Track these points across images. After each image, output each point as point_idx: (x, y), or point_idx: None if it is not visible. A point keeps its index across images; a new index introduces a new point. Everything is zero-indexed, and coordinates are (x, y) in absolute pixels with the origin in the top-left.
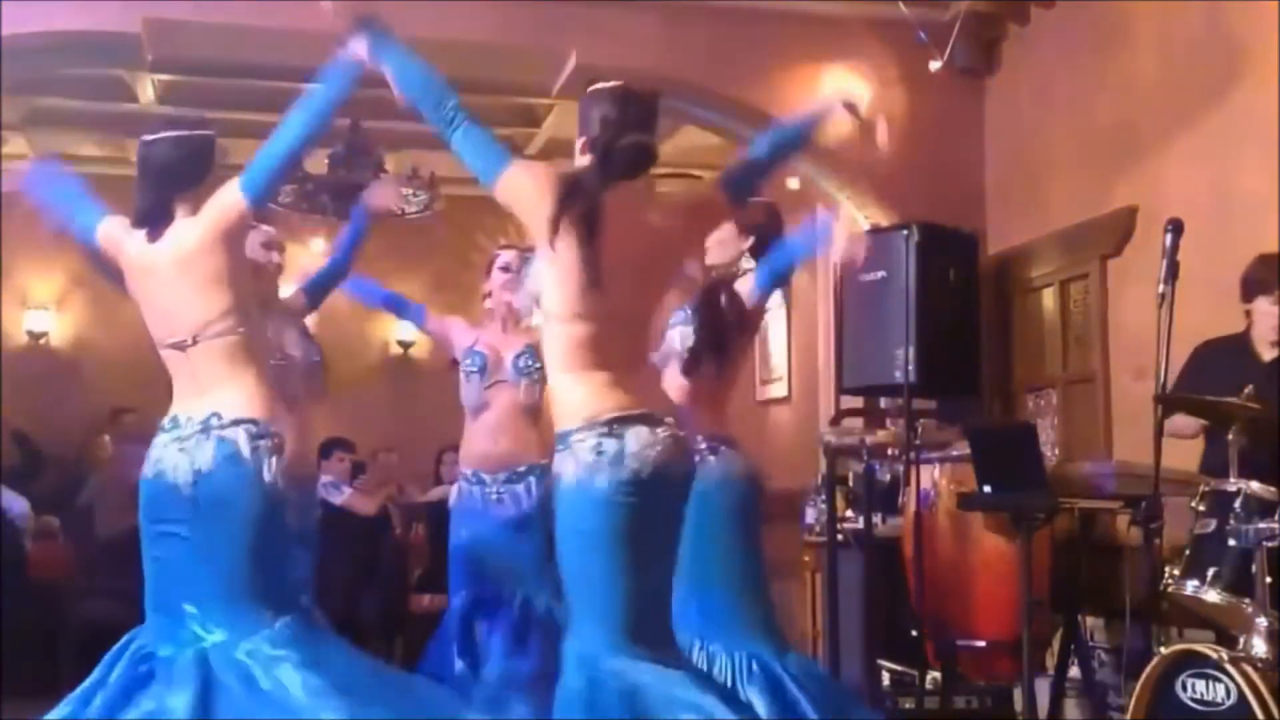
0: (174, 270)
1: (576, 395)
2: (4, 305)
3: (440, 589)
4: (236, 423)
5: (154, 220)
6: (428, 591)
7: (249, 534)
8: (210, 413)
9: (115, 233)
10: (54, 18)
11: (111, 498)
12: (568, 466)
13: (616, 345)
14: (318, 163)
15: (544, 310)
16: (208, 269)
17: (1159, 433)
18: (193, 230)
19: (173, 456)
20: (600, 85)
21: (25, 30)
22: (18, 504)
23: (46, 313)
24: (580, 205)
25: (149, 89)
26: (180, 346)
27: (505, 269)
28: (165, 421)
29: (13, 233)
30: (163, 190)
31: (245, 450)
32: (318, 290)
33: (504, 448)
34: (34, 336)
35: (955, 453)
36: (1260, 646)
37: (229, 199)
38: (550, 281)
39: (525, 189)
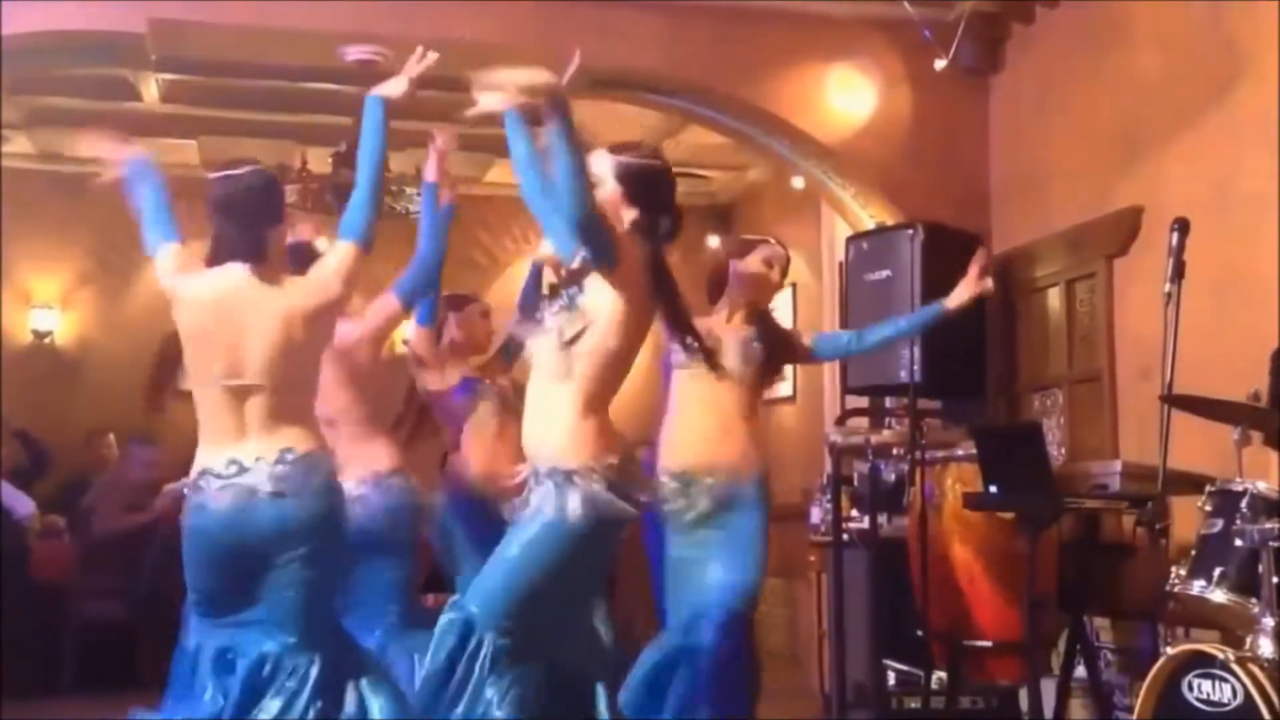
0: (281, 322)
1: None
2: (9, 304)
3: (443, 589)
4: (310, 454)
5: (244, 255)
6: (433, 591)
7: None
8: (282, 449)
9: (178, 262)
10: (58, 17)
11: (114, 498)
12: None
13: None
14: (321, 161)
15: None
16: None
17: (1165, 432)
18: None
19: (259, 495)
20: (633, 161)
21: (29, 29)
22: (23, 503)
23: (51, 312)
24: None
25: (153, 88)
26: (243, 390)
27: None
28: (218, 466)
29: (17, 231)
30: (250, 227)
31: (329, 477)
32: (416, 290)
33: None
34: (39, 335)
35: (961, 453)
36: (1267, 647)
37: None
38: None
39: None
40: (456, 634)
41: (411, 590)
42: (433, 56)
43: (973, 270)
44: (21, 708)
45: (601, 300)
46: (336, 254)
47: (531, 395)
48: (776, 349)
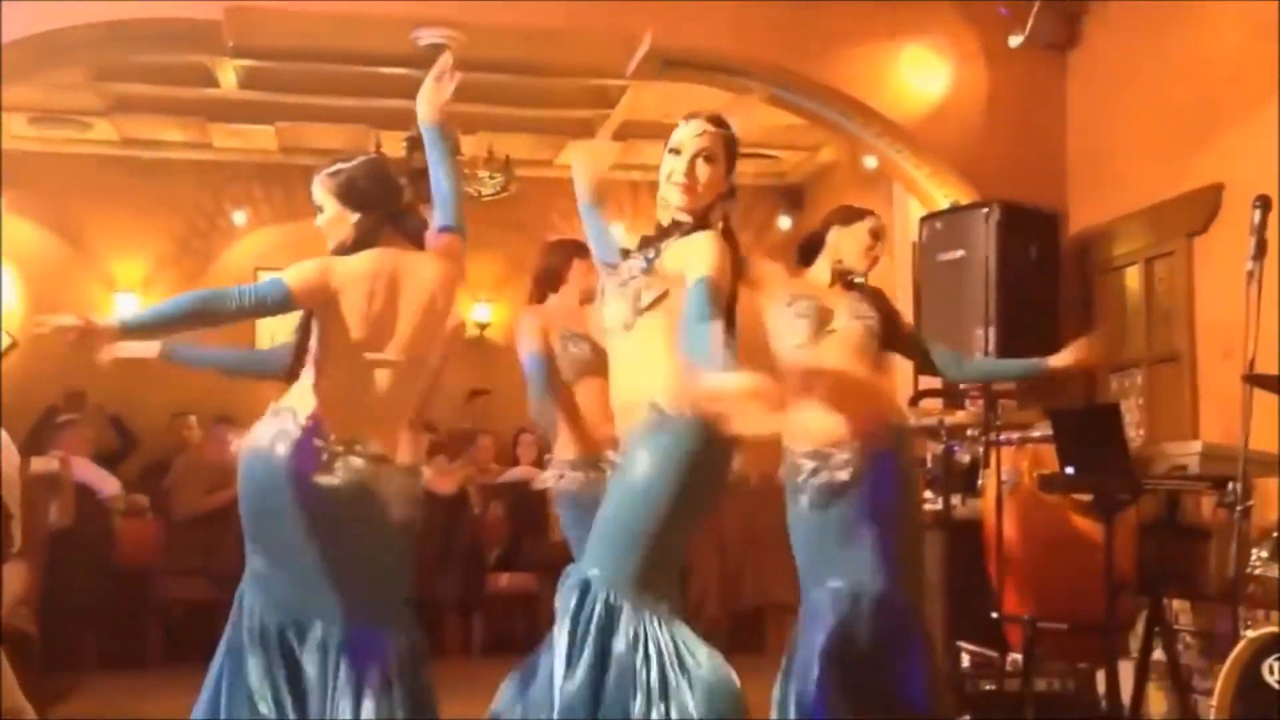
0: (414, 303)
1: None
2: (92, 289)
3: (518, 568)
4: None
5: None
6: (506, 571)
7: None
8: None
9: (320, 268)
10: (140, 5)
11: (196, 478)
12: None
13: None
14: (395, 145)
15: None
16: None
17: (1247, 413)
18: (442, 279)
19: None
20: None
21: (112, 18)
22: (109, 483)
23: (133, 294)
24: None
25: (230, 74)
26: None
27: None
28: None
29: (100, 217)
30: (375, 213)
31: None
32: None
33: None
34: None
35: (1036, 434)
36: None
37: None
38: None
39: None
40: (578, 595)
41: None
42: (457, 77)
43: (1084, 341)
44: (108, 681)
45: (680, 264)
46: (453, 242)
47: (617, 349)
48: (888, 323)
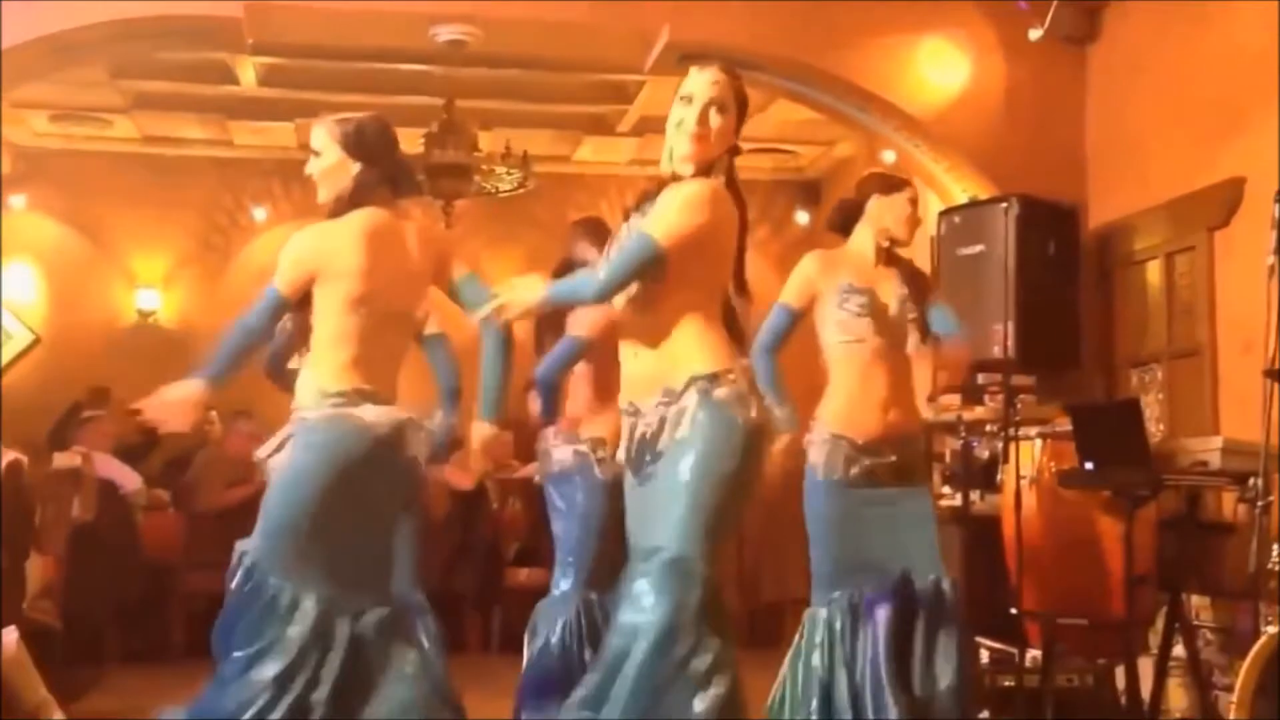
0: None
1: None
2: (113, 286)
3: (537, 563)
4: None
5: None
6: (525, 566)
7: None
8: None
9: (300, 262)
10: (160, 4)
11: (216, 472)
12: None
13: None
14: (413, 142)
15: None
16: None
17: (1268, 408)
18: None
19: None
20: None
21: (132, 15)
22: (130, 478)
23: (154, 291)
24: None
25: (250, 72)
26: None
27: None
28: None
29: (121, 213)
30: (375, 168)
31: None
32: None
33: None
34: (143, 315)
35: (1055, 429)
36: None
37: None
38: None
39: None
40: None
41: None
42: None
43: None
44: (130, 674)
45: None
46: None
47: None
48: (922, 305)
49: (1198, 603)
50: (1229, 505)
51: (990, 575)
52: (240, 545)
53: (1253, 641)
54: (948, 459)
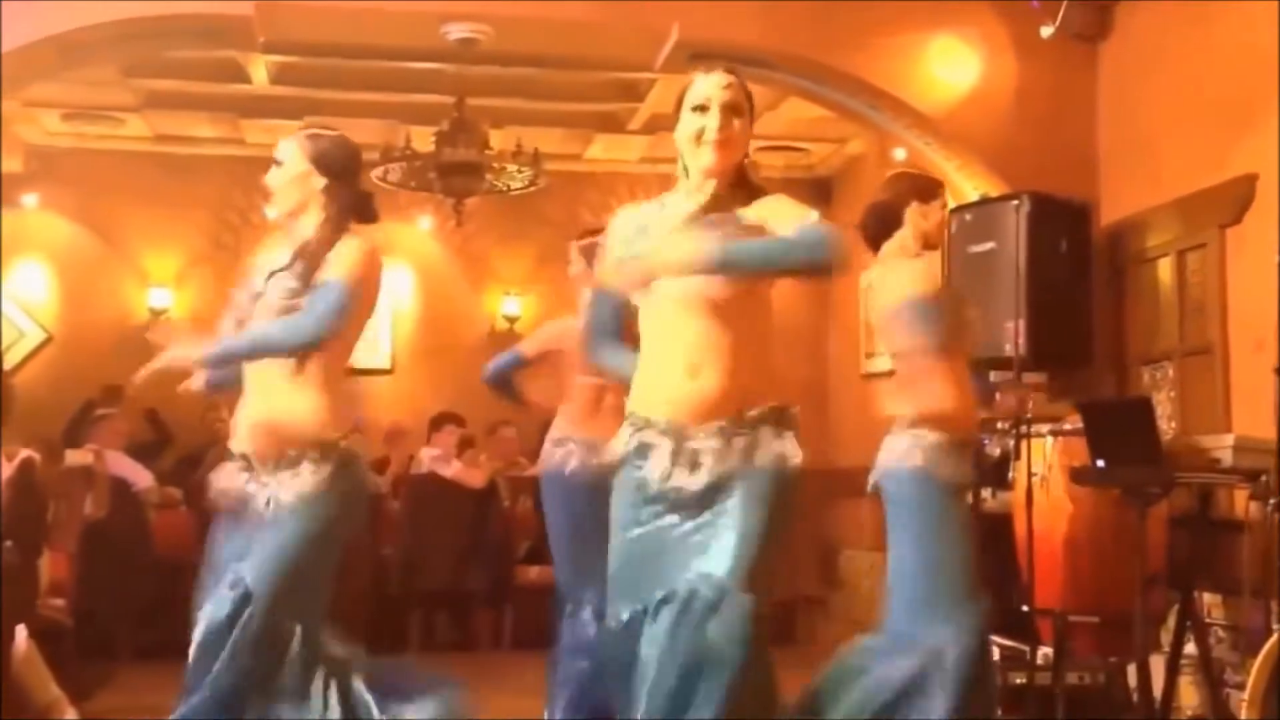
0: None
1: None
2: (126, 284)
3: (548, 561)
4: None
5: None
6: (536, 564)
7: None
8: None
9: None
10: (171, 3)
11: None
12: None
13: None
14: (425, 140)
15: None
16: None
17: None
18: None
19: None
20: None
21: (143, 14)
22: (142, 476)
23: (166, 290)
24: None
25: (261, 70)
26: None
27: None
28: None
29: (133, 212)
30: (340, 187)
31: None
32: None
33: None
34: (155, 313)
35: (1068, 426)
36: None
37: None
38: None
39: None
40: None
41: None
42: None
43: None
44: (142, 672)
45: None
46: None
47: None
48: None
49: (1209, 600)
50: (1241, 503)
51: (1002, 572)
52: None
53: (1265, 639)
54: None
